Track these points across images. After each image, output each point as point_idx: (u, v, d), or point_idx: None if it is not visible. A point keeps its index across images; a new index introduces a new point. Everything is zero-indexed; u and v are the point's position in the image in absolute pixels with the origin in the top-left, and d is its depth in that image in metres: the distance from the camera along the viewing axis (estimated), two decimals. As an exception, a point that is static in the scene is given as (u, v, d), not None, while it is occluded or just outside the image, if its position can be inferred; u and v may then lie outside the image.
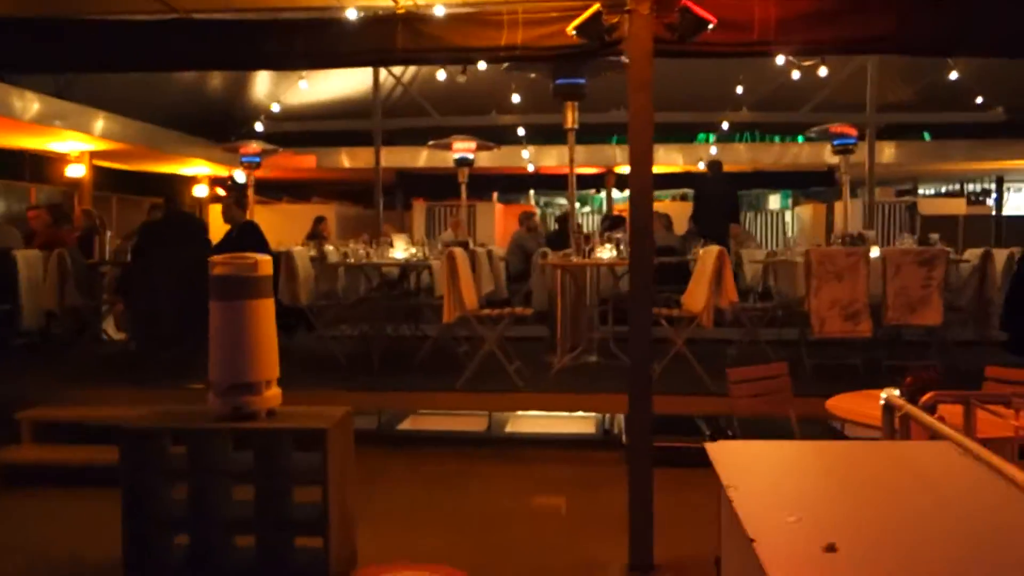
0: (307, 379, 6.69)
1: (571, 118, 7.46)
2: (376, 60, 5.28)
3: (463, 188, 12.09)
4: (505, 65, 7.42)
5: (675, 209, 14.79)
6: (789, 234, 18.55)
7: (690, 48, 4.51)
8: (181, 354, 7.11)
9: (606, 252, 6.58)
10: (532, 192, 19.70)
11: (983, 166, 16.26)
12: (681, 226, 12.74)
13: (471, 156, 11.96)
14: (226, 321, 4.11)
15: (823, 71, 9.61)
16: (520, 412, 6.96)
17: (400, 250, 7.81)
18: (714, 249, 6.21)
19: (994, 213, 18.30)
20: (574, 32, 4.41)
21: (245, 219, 8.76)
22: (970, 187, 19.71)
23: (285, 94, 12.66)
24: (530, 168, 15.07)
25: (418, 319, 8.43)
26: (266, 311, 4.19)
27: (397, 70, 12.19)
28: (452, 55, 5.16)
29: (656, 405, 6.16)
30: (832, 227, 16.46)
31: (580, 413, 6.83)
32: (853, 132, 11.63)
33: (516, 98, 11.09)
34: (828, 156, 15.98)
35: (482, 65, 7.00)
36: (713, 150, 13.75)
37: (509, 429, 6.91)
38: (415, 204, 16.42)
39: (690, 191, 17.75)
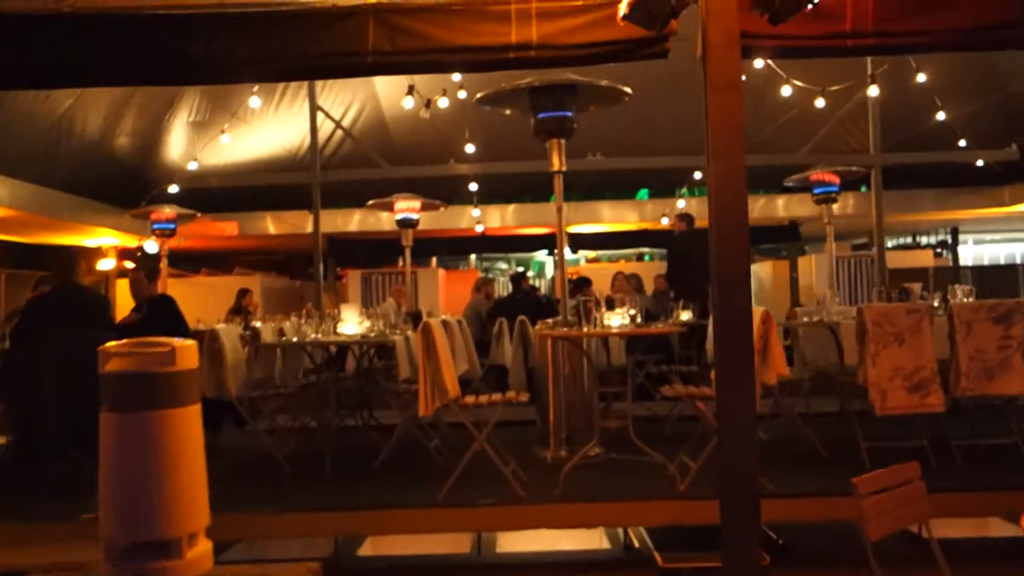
0: (241, 494, 5.18)
1: (557, 160, 6.22)
2: (342, 67, 3.93)
3: (407, 252, 10.75)
4: (476, 97, 6.15)
5: (631, 271, 13.65)
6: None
7: (776, 41, 3.32)
8: (75, 468, 5.52)
9: (616, 319, 5.28)
10: (473, 256, 18.46)
11: (949, 215, 15.65)
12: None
13: (415, 216, 10.66)
14: (125, 444, 2.65)
15: (820, 102, 8.64)
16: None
17: (352, 323, 6.38)
18: (758, 311, 4.98)
19: (950, 264, 17.76)
20: (624, 16, 3.17)
21: (157, 293, 7.25)
22: (923, 239, 19.20)
23: (204, 151, 11.18)
24: (479, 229, 13.80)
25: (371, 408, 6.96)
26: (189, 425, 2.74)
27: (336, 114, 10.84)
28: (442, 58, 3.84)
29: (699, 512, 4.85)
30: (797, 286, 15.58)
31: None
32: (835, 180, 10.72)
33: (471, 148, 9.83)
34: (790, 209, 15.26)
35: (462, 94, 5.70)
36: (681, 203, 12.73)
37: (502, 549, 5.46)
38: (347, 274, 14.95)
39: (648, 250, 16.78)
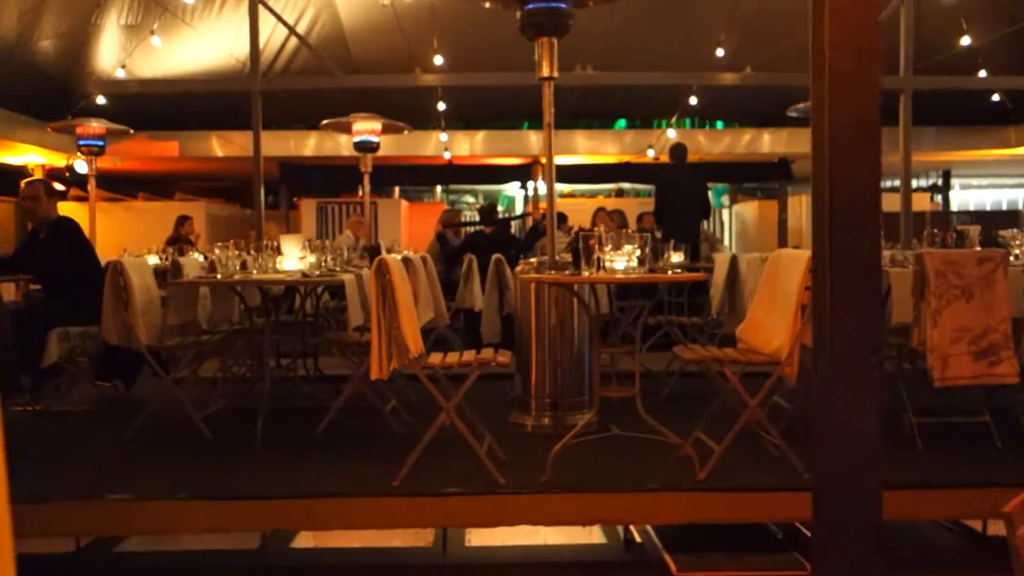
0: (144, 470, 4.09)
1: (548, 64, 5.05)
2: None
3: (366, 180, 9.56)
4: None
5: (612, 207, 12.57)
6: (727, 237, 16.67)
7: None
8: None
9: (621, 261, 4.19)
10: (439, 188, 17.21)
11: (948, 156, 14.69)
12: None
13: (376, 140, 9.45)
14: None
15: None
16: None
17: (292, 259, 5.24)
18: (803, 255, 3.92)
19: (941, 209, 16.90)
20: None
21: (58, 216, 6.03)
22: (913, 183, 18.27)
23: (137, 59, 9.82)
24: (446, 156, 12.58)
25: (316, 358, 5.86)
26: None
27: (288, 21, 9.50)
28: None
29: (723, 508, 3.86)
30: (786, 228, 14.63)
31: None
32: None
33: (440, 60, 8.58)
34: (778, 144, 14.19)
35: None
36: (671, 133, 11.60)
37: (472, 542, 4.44)
38: (301, 203, 13.71)
39: (628, 186, 15.67)
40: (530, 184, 14.17)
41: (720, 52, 7.77)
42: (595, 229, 10.81)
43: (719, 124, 14.11)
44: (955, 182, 18.63)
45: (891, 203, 14.68)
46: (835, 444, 2.09)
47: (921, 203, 14.58)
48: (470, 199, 18.81)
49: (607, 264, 4.05)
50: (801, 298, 3.89)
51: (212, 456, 4.40)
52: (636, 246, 4.16)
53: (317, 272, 5.05)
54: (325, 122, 9.34)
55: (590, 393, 4.98)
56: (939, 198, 17.03)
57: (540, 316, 4.93)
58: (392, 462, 3.91)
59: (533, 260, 5.03)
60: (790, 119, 13.63)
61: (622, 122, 14.54)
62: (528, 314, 4.97)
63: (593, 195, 15.99)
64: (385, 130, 9.70)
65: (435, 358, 4.08)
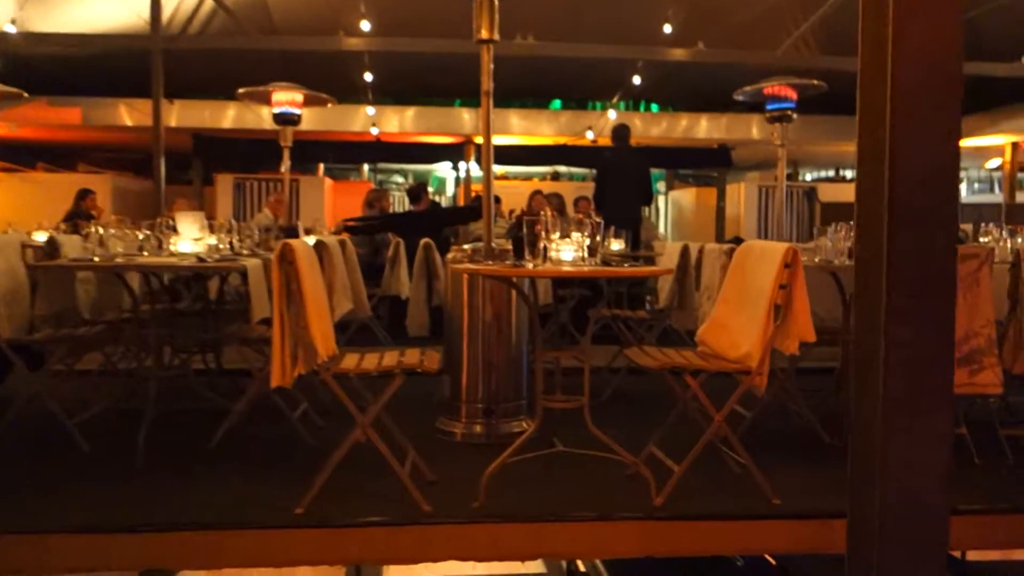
0: (4, 495, 3.40)
1: (487, 25, 4.43)
2: None
3: (286, 154, 8.82)
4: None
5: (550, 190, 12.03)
6: (662, 225, 16.30)
7: None
8: None
9: (568, 251, 3.62)
10: (366, 167, 16.42)
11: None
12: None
13: (297, 112, 8.73)
14: None
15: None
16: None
17: (188, 239, 4.55)
18: (778, 248, 3.41)
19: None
20: None
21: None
22: (848, 173, 18.18)
23: (27, 9, 8.86)
24: (373, 131, 11.85)
25: (219, 355, 5.17)
26: None
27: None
28: None
29: (683, 539, 3.35)
30: (723, 216, 14.31)
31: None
32: (793, 95, 9.28)
33: (367, 25, 7.89)
34: (715, 131, 13.81)
35: None
36: (612, 114, 11.08)
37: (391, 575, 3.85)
38: (217, 179, 12.82)
39: (564, 169, 15.14)
40: (462, 165, 13.52)
41: (667, 28, 7.26)
42: (541, 213, 10.26)
43: (654, 107, 13.67)
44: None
45: (829, 193, 14.54)
46: (897, 472, 1.57)
47: (858, 194, 14.40)
48: (399, 179, 18.08)
49: (553, 254, 3.49)
50: (775, 298, 3.39)
51: (85, 473, 3.71)
52: (585, 234, 3.60)
53: (217, 256, 4.37)
54: (242, 90, 8.57)
55: (529, 398, 4.43)
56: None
57: (473, 310, 4.35)
58: (299, 482, 3.29)
59: (467, 247, 4.43)
60: (728, 104, 13.32)
61: (557, 103, 14.00)
62: (460, 307, 4.39)
63: (528, 178, 15.43)
64: (308, 102, 8.96)
65: (350, 361, 3.46)
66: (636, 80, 9.47)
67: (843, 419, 4.62)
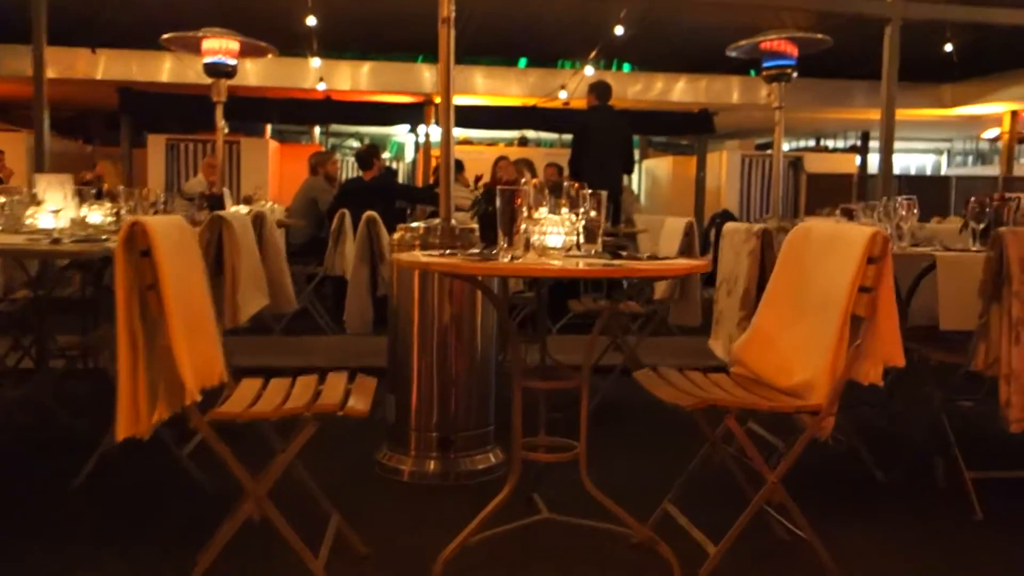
0: None
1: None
2: None
3: (219, 111, 7.66)
4: None
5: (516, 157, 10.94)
6: (635, 194, 15.25)
7: None
8: None
9: (556, 235, 2.56)
10: (318, 130, 15.14)
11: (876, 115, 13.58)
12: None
13: (232, 63, 7.54)
14: None
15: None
16: None
17: (48, 211, 3.44)
18: (855, 235, 2.39)
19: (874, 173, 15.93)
20: None
21: None
22: (829, 143, 17.28)
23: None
24: (320, 88, 10.61)
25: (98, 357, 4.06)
26: None
27: None
28: None
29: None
30: (703, 188, 13.31)
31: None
32: (793, 51, 8.25)
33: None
34: (695, 94, 12.76)
35: None
36: (589, 70, 9.96)
37: None
38: (150, 139, 11.52)
39: (532, 134, 14.01)
40: (421, 128, 12.33)
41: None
42: (523, 183, 9.16)
43: (626, 67, 12.57)
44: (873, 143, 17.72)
45: (814, 164, 13.59)
46: None
47: (845, 165, 13.48)
48: (354, 143, 16.83)
49: (536, 239, 2.43)
50: (852, 305, 2.37)
51: None
52: (582, 210, 2.57)
53: (82, 235, 3.26)
54: (167, 36, 7.37)
55: (497, 424, 3.39)
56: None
57: (425, 309, 3.30)
58: (176, 556, 2.24)
59: (418, 224, 3.36)
60: (708, 66, 12.26)
61: (523, 61, 12.83)
62: (408, 305, 3.32)
63: (492, 143, 14.29)
64: (245, 52, 7.73)
65: (239, 399, 2.38)
66: (619, 30, 8.38)
67: (901, 446, 3.66)
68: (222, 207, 6.59)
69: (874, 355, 2.42)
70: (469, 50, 12.04)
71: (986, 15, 6.52)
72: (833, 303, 2.43)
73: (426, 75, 11.21)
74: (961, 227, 3.85)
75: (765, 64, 8.07)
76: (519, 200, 2.31)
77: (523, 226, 2.38)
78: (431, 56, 11.58)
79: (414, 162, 13.74)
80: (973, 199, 3.62)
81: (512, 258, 2.27)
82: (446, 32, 3.48)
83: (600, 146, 7.83)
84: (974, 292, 3.06)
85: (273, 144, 12.17)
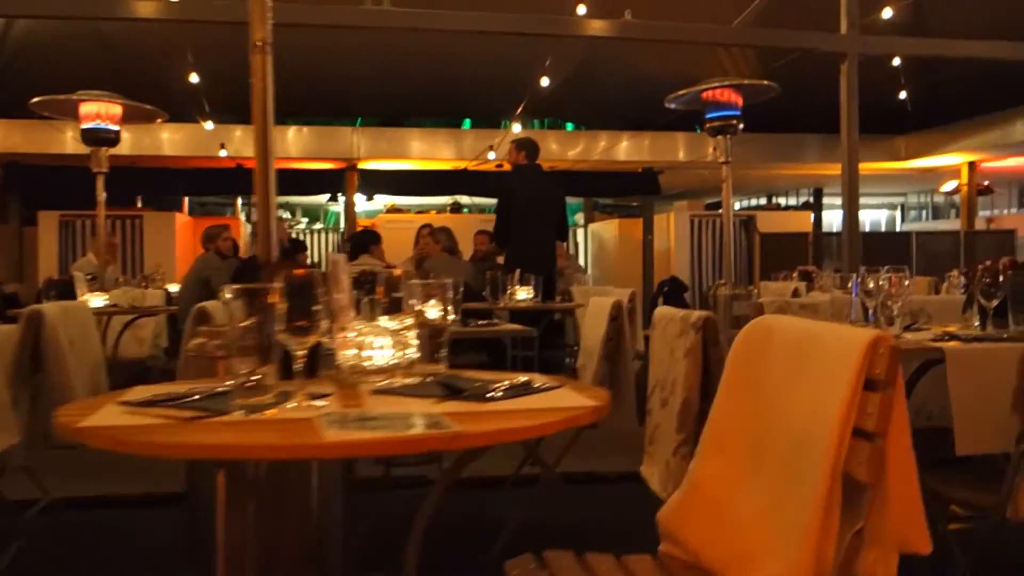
0: None
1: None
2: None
3: (99, 183, 6.75)
4: None
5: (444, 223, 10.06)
6: (582, 260, 14.46)
7: None
8: None
9: (381, 353, 1.62)
10: (240, 201, 14.13)
11: (830, 169, 12.95)
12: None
13: (114, 128, 6.65)
14: None
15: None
16: None
17: None
18: (843, 339, 1.47)
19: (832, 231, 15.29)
20: None
21: None
22: (781, 200, 16.63)
23: None
24: (222, 154, 9.65)
25: None
26: None
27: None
28: None
29: None
30: (652, 251, 12.52)
31: None
32: (738, 100, 7.50)
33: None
34: (638, 152, 12.06)
35: None
36: (517, 128, 9.15)
37: None
38: (40, 216, 10.44)
39: (468, 200, 13.16)
40: (344, 196, 11.36)
41: (582, 9, 5.38)
42: (417, 252, 8.27)
43: (568, 126, 11.86)
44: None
45: (766, 223, 12.87)
46: None
47: (800, 223, 12.77)
48: (284, 214, 15.85)
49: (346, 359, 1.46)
50: (842, 458, 1.43)
51: None
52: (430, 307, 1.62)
53: None
54: (37, 100, 6.44)
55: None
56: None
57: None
58: None
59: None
60: (651, 122, 11.56)
61: (467, 123, 12.07)
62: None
63: (423, 210, 13.38)
64: (129, 116, 6.91)
65: None
66: (544, 82, 7.60)
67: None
68: (72, 295, 5.57)
69: (883, 540, 1.47)
70: (411, 112, 11.29)
71: (944, 47, 5.79)
72: (811, 451, 1.49)
73: (345, 140, 10.34)
74: (965, 304, 2.96)
75: (708, 115, 7.31)
76: (321, 303, 1.37)
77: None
78: (354, 119, 10.75)
79: (342, 234, 12.79)
80: (981, 267, 2.74)
81: (299, 403, 1.29)
82: (260, 62, 2.55)
83: (529, 210, 6.95)
84: (1001, 401, 2.16)
85: (183, 218, 11.15)
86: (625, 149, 11.75)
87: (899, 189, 17.07)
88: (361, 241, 7.31)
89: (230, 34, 7.42)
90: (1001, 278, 2.64)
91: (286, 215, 16.14)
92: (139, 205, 11.69)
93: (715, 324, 2.46)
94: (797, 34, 5.40)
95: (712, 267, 12.09)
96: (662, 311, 2.81)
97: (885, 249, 12.04)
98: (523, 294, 6.40)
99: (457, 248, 7.48)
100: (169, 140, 9.77)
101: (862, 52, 5.05)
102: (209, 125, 9.09)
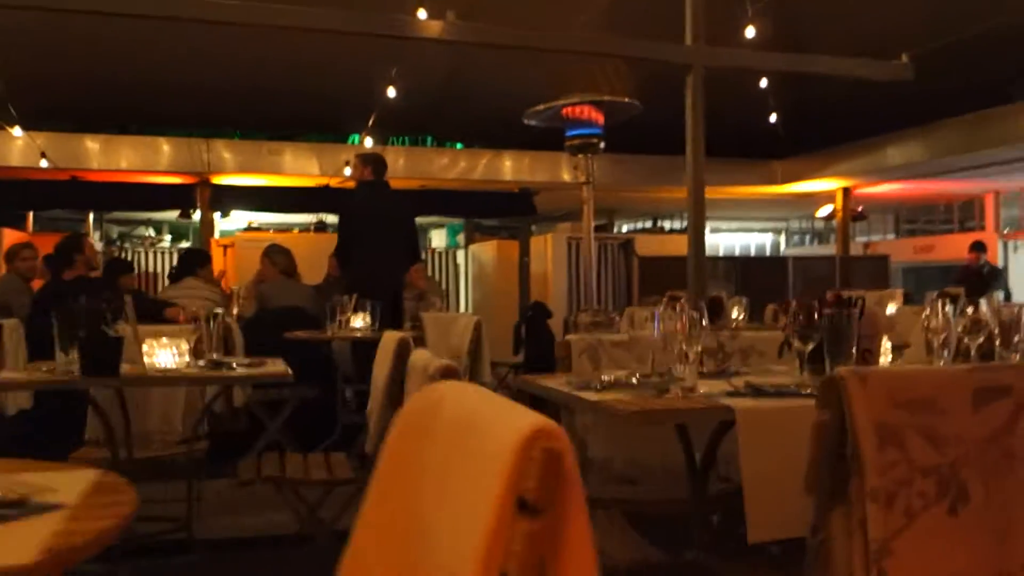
0: None
1: None
2: None
3: None
4: None
5: (304, 246, 9.43)
6: (462, 287, 13.94)
7: None
8: None
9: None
10: (92, 217, 13.05)
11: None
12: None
13: None
14: None
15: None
16: None
17: None
18: (511, 434, 0.96)
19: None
20: None
21: None
22: (666, 224, 16.48)
23: None
24: (43, 164, 8.74)
25: None
26: None
27: None
28: None
29: None
30: (528, 273, 12.08)
31: None
32: (599, 118, 7.14)
33: None
34: (520, 171, 11.67)
35: None
36: (369, 142, 8.58)
37: None
38: None
39: (334, 218, 12.47)
40: (199, 213, 10.52)
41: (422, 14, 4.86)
42: (258, 277, 7.58)
43: (428, 141, 11.36)
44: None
45: (644, 247, 12.62)
46: None
47: (678, 247, 12.49)
48: (148, 231, 14.84)
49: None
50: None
51: None
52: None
53: None
54: None
55: None
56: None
57: None
58: None
59: None
60: (528, 140, 11.17)
61: (354, 138, 11.44)
62: None
63: (286, 228, 12.63)
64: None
65: None
66: (391, 92, 7.06)
67: None
68: None
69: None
70: (267, 126, 10.60)
71: (798, 63, 5.50)
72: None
73: (198, 153, 9.58)
74: (781, 346, 2.52)
75: (568, 133, 6.89)
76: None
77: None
78: (206, 130, 10.00)
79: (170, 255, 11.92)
80: (795, 303, 2.29)
81: None
82: None
83: (373, 229, 6.39)
84: (797, 475, 1.70)
85: (13, 235, 10.14)
86: (508, 168, 11.34)
87: (781, 213, 17.15)
88: (184, 262, 6.62)
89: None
90: (816, 316, 2.20)
91: (151, 232, 15.15)
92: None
93: (456, 374, 1.94)
94: (640, 44, 4.99)
95: (594, 289, 11.72)
96: (417, 357, 2.28)
97: (763, 273, 11.90)
98: (358, 322, 5.82)
99: (295, 270, 6.85)
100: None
101: (707, 64, 4.66)
102: (18, 131, 8.20)
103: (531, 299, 11.77)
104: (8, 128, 8.08)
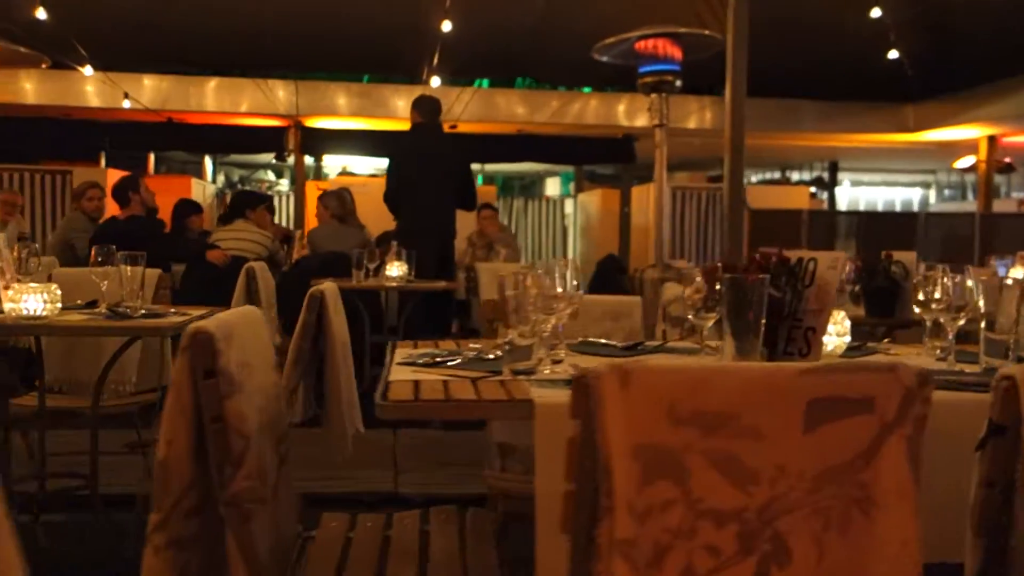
0: None
1: None
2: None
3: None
4: None
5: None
6: (570, 237, 13.47)
7: None
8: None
9: None
10: (209, 161, 13.32)
11: (831, 140, 11.74)
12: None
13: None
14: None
15: None
16: None
17: None
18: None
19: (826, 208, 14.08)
20: None
21: None
22: (795, 175, 15.38)
23: None
24: (126, 105, 8.83)
25: None
26: None
27: None
28: None
29: None
30: (628, 223, 11.51)
31: None
32: (676, 53, 6.46)
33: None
34: (626, 115, 11.02)
35: None
36: (436, 82, 8.18)
37: None
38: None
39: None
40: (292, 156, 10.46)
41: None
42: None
43: (518, 83, 10.84)
44: (844, 177, 15.89)
45: (761, 198, 11.77)
46: None
47: (797, 199, 11.58)
48: (269, 175, 15.06)
49: None
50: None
51: None
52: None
53: None
54: None
55: None
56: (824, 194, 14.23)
57: None
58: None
59: None
60: (627, 80, 10.46)
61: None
62: None
63: (381, 175, 12.46)
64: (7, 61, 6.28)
65: None
66: (446, 26, 6.65)
67: None
68: None
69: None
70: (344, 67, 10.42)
71: None
72: None
73: (280, 94, 9.48)
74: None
75: (641, 70, 6.28)
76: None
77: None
78: (291, 71, 9.89)
79: (288, 198, 11.92)
80: (701, 270, 1.78)
81: None
82: None
83: (421, 175, 6.07)
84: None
85: (113, 173, 10.43)
86: (595, 111, 10.74)
87: (925, 165, 15.66)
88: (235, 204, 6.51)
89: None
90: (718, 286, 1.68)
91: (274, 177, 15.41)
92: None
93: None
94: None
95: (697, 244, 11.07)
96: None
97: (890, 231, 10.86)
98: (395, 270, 5.52)
99: (348, 215, 6.60)
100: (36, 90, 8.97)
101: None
102: (88, 71, 8.27)
103: (632, 253, 11.23)
104: (79, 68, 8.16)
